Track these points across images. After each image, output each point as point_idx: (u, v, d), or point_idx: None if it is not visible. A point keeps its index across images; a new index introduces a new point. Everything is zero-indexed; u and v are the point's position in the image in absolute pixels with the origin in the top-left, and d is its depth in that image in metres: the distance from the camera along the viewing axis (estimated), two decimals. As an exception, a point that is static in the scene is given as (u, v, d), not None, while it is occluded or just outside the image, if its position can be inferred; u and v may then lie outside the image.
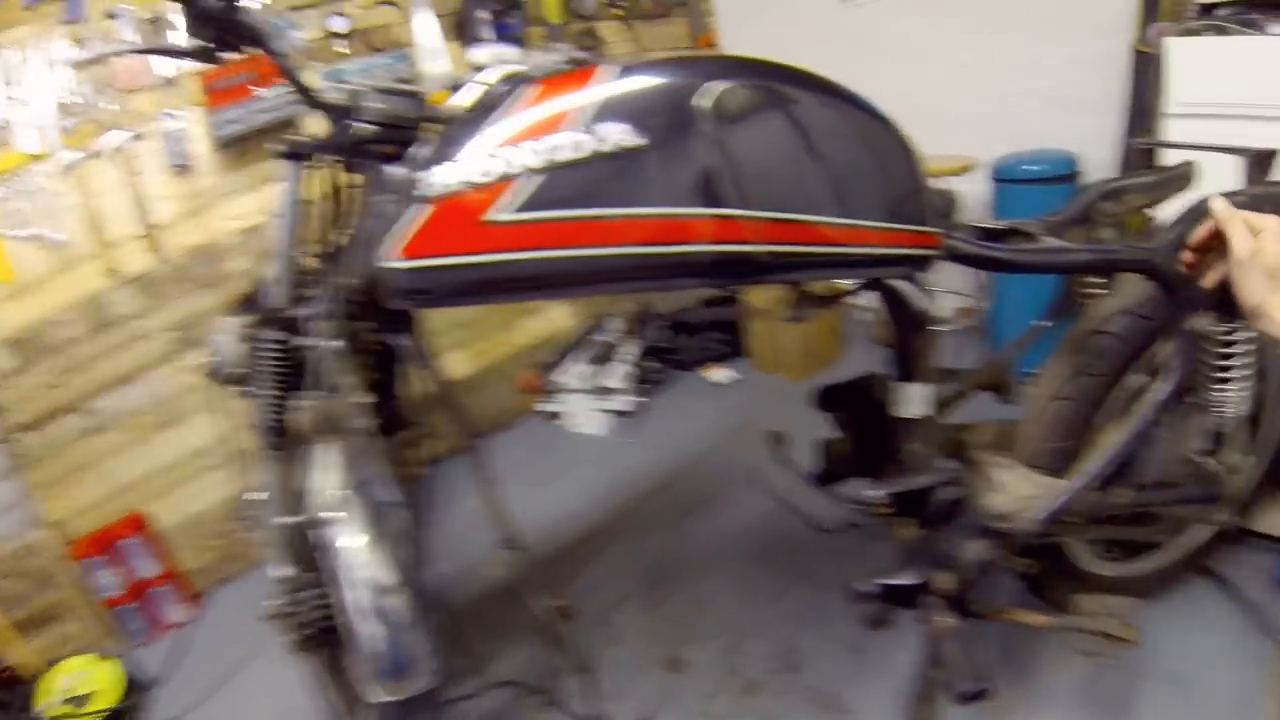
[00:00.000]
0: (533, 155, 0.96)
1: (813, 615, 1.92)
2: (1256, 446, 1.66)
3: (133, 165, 2.07)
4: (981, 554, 1.19)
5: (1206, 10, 2.06)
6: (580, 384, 2.95)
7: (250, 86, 2.18)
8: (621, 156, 0.93)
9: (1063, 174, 2.54)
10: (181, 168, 2.14)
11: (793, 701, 1.71)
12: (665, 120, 0.95)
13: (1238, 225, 0.89)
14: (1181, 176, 1.44)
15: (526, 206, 0.95)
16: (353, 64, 2.44)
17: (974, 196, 2.71)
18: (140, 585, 2.19)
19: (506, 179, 0.97)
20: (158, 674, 2.06)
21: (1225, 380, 1.30)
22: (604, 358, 3.05)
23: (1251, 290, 0.86)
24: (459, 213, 0.99)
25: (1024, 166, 2.59)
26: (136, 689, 2.01)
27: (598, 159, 0.94)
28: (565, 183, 0.94)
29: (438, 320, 2.75)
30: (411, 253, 1.03)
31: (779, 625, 1.92)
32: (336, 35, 2.42)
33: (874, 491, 1.16)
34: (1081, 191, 1.39)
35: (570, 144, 0.95)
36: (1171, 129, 2.08)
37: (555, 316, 3.14)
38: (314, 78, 1.30)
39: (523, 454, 2.93)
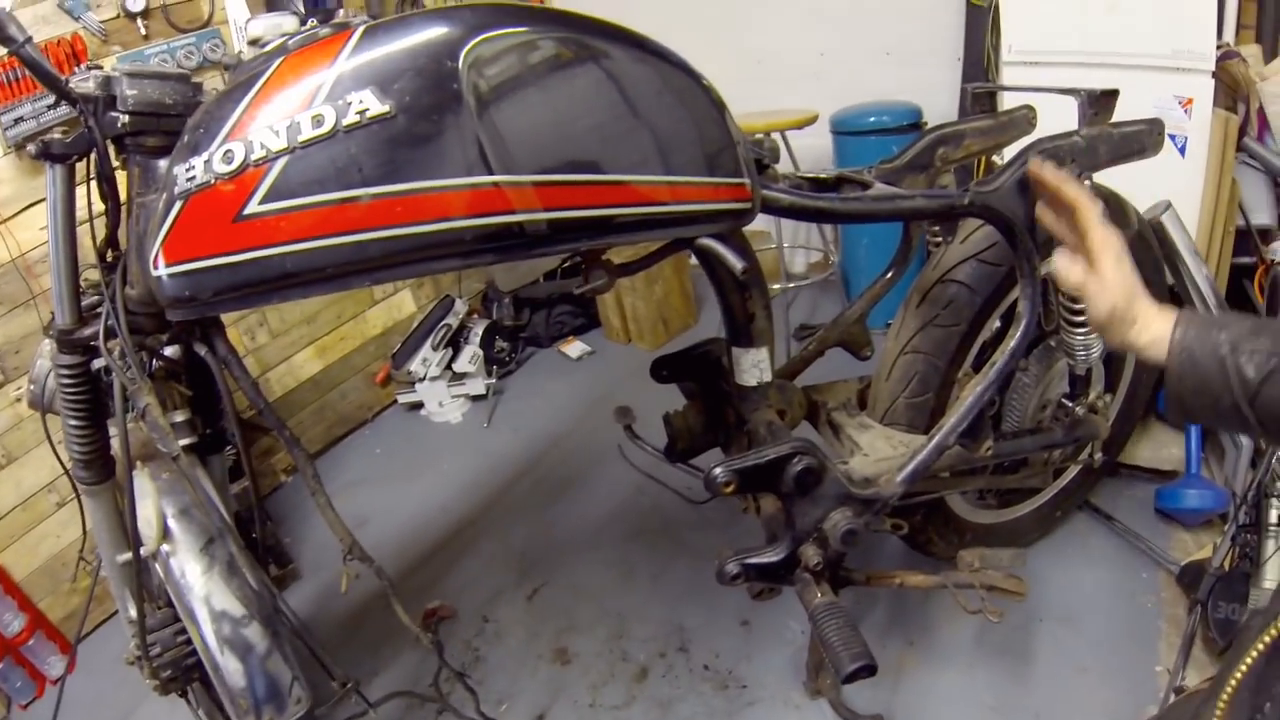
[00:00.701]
0: (276, 136, 0.88)
1: (695, 591, 1.93)
2: (1118, 384, 1.72)
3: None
4: (846, 523, 1.16)
5: None
6: (432, 371, 2.90)
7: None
8: (367, 127, 0.86)
9: (905, 124, 2.58)
10: (-28, 178, 1.95)
11: (686, 683, 1.72)
12: (414, 83, 0.88)
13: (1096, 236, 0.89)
14: (1022, 120, 1.45)
15: (273, 195, 0.88)
16: (153, 46, 2.26)
17: (815, 150, 2.74)
18: (9, 643, 2.06)
19: (253, 166, 0.89)
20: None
21: (1082, 324, 1.32)
22: (453, 342, 3.00)
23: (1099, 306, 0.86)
24: (209, 208, 0.92)
25: (864, 118, 2.60)
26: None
27: (342, 134, 0.87)
28: (311, 164, 0.87)
29: (280, 321, 2.65)
30: (172, 257, 0.95)
31: (662, 605, 1.92)
32: (132, 15, 2.23)
33: (718, 471, 1.11)
34: (918, 138, 1.37)
35: (312, 119, 0.87)
36: (1008, 76, 2.13)
37: (400, 303, 3.07)
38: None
39: (383, 450, 2.88)
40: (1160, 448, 1.91)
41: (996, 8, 2.13)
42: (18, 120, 2.00)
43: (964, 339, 1.36)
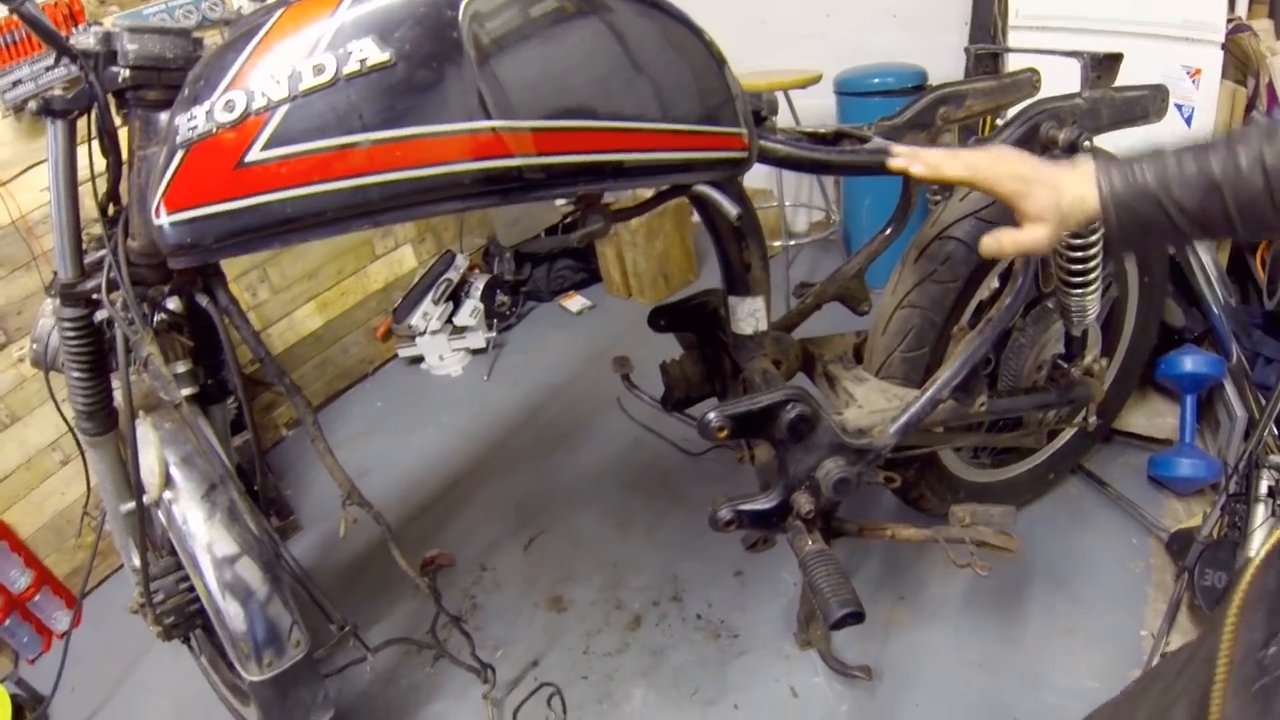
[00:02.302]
0: (278, 85, 0.92)
1: (690, 542, 1.98)
2: (1114, 350, 1.76)
3: (-88, 141, 1.92)
4: (838, 472, 1.19)
5: None
6: (433, 325, 2.95)
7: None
8: (367, 76, 0.90)
9: (910, 86, 2.59)
10: (-29, 139, 1.99)
11: (679, 631, 1.78)
12: (415, 30, 0.92)
13: (954, 169, 0.93)
14: (1025, 83, 1.46)
15: (275, 142, 0.91)
16: (150, 5, 2.27)
17: (819, 109, 2.77)
18: (16, 598, 2.13)
19: (255, 114, 0.93)
20: (48, 689, 2.03)
21: (1078, 285, 1.34)
22: (454, 296, 3.04)
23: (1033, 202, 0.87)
24: (213, 156, 0.96)
25: (869, 79, 2.62)
26: (29, 709, 1.98)
27: (343, 82, 0.90)
28: (312, 111, 0.91)
29: (281, 276, 2.69)
30: (173, 205, 0.99)
31: (657, 555, 1.98)
32: (131, -31, 2.24)
33: (713, 416, 1.14)
34: (919, 97, 1.39)
35: (313, 68, 0.91)
36: (1015, 40, 2.14)
37: (402, 258, 3.11)
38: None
39: (384, 403, 2.94)
40: (1155, 416, 1.95)
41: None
42: (16, 83, 2.02)
43: (960, 295, 1.40)
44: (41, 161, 2.09)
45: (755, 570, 1.87)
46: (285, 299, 2.73)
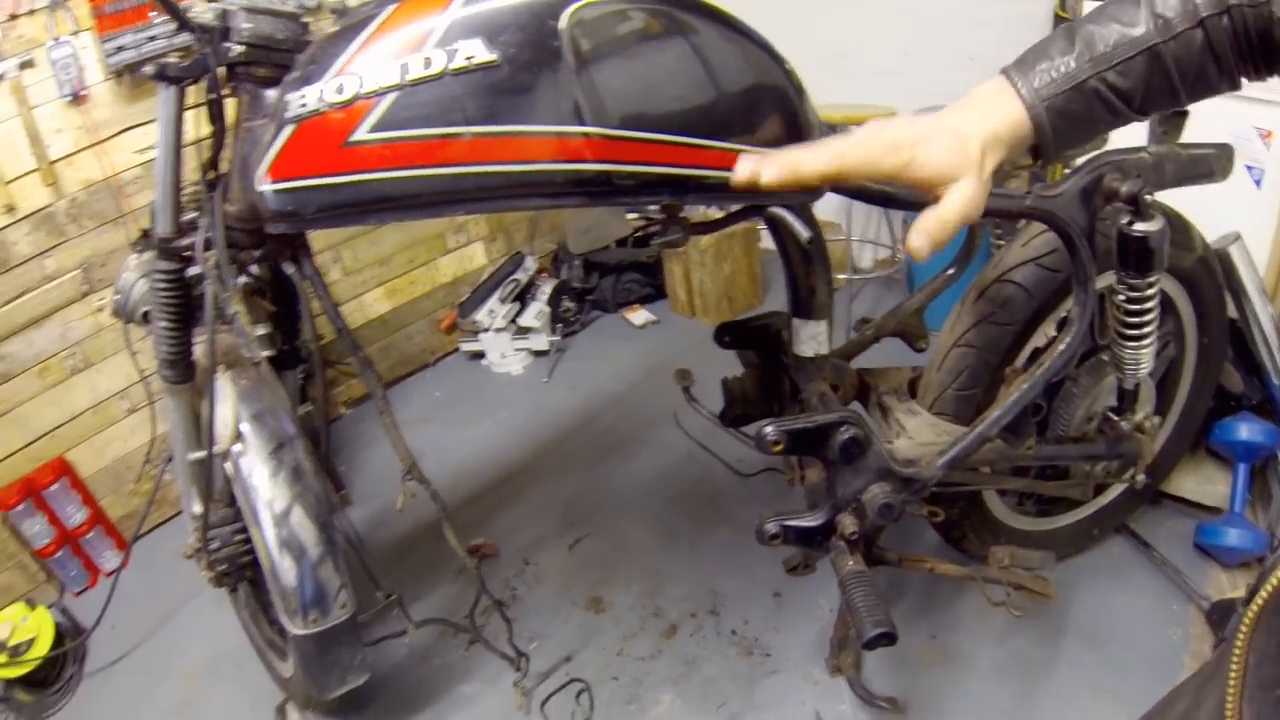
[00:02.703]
0: (388, 74, 0.99)
1: (733, 559, 2.01)
2: (1168, 410, 1.75)
3: (22, 95, 2.05)
4: (884, 497, 1.22)
5: None
6: (498, 323, 3.02)
7: (148, 11, 2.15)
8: (473, 73, 0.97)
9: None
10: (75, 98, 2.11)
11: (712, 645, 1.81)
12: (519, 36, 0.98)
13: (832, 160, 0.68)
14: (1218, 158, 1.43)
15: (381, 126, 0.98)
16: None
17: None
18: (70, 534, 2.25)
19: (363, 98, 1.00)
20: (90, 622, 2.14)
21: (1132, 337, 1.35)
22: (520, 297, 3.12)
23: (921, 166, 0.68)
24: (321, 133, 1.03)
25: None
26: (70, 637, 2.09)
27: (449, 76, 0.97)
28: (418, 101, 0.97)
29: (355, 259, 2.79)
30: (278, 174, 1.06)
31: (699, 568, 2.01)
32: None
33: (770, 429, 1.17)
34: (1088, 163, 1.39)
35: (423, 61, 0.98)
36: None
37: (472, 254, 3.19)
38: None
39: (443, 394, 3.01)
40: (1206, 482, 1.92)
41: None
42: (119, 49, 2.13)
43: (1016, 339, 1.42)
44: (137, 125, 2.22)
45: (793, 594, 1.89)
46: (356, 281, 2.83)
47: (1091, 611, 1.77)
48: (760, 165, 0.67)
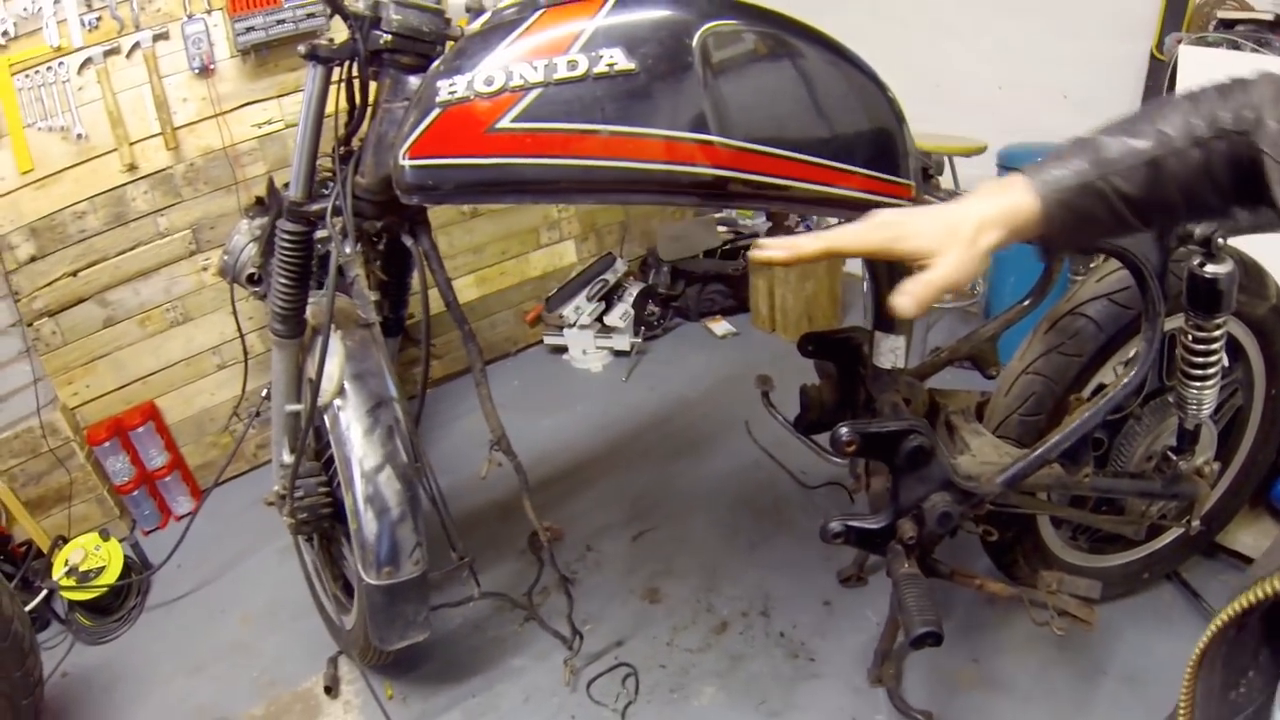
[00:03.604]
0: (534, 71, 1.13)
1: (788, 565, 2.11)
2: (1230, 459, 1.81)
3: (154, 64, 2.25)
4: (943, 506, 1.31)
5: (1227, 26, 2.21)
6: (583, 320, 3.17)
7: (278, -4, 2.35)
8: (613, 78, 1.11)
9: None
10: (202, 70, 2.31)
11: (760, 644, 1.91)
12: (656, 49, 1.12)
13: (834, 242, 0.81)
14: None
15: (525, 117, 1.13)
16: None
17: (980, 181, 2.86)
18: (149, 474, 2.44)
19: (509, 91, 1.14)
20: (158, 560, 2.32)
21: (1196, 377, 1.41)
22: (607, 297, 3.26)
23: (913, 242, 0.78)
24: (465, 119, 1.17)
25: (1032, 157, 2.67)
26: (137, 571, 2.26)
27: (591, 79, 1.11)
28: (561, 98, 1.12)
29: (449, 245, 2.95)
30: (419, 152, 1.21)
31: (755, 571, 2.11)
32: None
33: (845, 429, 1.28)
34: None
35: (568, 63, 1.12)
36: None
37: (563, 252, 3.34)
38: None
39: (523, 383, 3.16)
40: (1263, 538, 1.96)
41: (1175, 64, 2.21)
42: (249, 29, 2.33)
43: (1083, 370, 1.50)
44: (257, 100, 2.43)
45: (844, 604, 1.98)
46: (449, 266, 2.90)
47: (1135, 654, 1.81)
48: (770, 250, 0.79)
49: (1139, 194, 0.74)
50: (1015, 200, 0.77)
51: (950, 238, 0.76)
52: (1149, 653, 1.83)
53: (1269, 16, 2.22)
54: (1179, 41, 2.24)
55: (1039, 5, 2.85)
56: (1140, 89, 2.68)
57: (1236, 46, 2.10)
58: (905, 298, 0.76)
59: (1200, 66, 2.14)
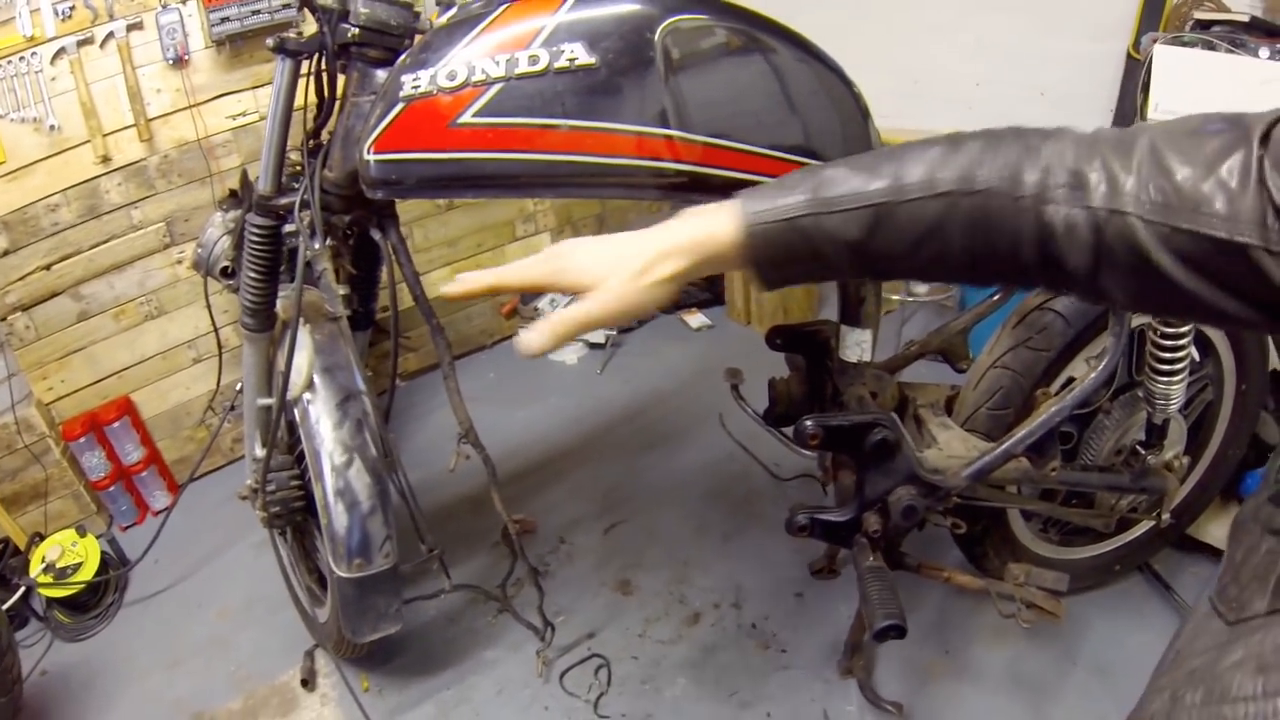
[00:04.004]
0: (496, 66, 1.14)
1: (760, 557, 2.14)
2: (1201, 453, 1.84)
3: (128, 55, 2.24)
4: (908, 499, 1.33)
5: (1203, 26, 2.22)
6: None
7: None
8: (574, 73, 1.12)
9: None
10: (176, 61, 2.30)
11: (731, 636, 1.93)
12: (617, 44, 1.13)
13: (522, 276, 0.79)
14: None
15: (486, 111, 1.13)
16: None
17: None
18: (126, 469, 2.44)
19: (472, 85, 1.15)
20: (135, 556, 2.32)
21: (1163, 373, 1.44)
22: None
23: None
24: (428, 113, 1.18)
25: None
26: (114, 566, 2.27)
27: (552, 73, 1.12)
28: (523, 93, 1.13)
29: (424, 238, 2.96)
30: (383, 147, 1.22)
31: (726, 562, 2.14)
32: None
33: (810, 422, 1.30)
34: None
35: (529, 58, 1.13)
36: None
37: (539, 244, 3.33)
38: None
39: (498, 375, 3.18)
40: (1235, 529, 1.99)
41: (1150, 63, 2.23)
42: (224, 19, 2.32)
43: (1051, 364, 1.52)
44: (232, 92, 2.42)
45: (815, 596, 2.01)
46: (423, 259, 2.99)
47: (1105, 645, 1.85)
48: (451, 284, 0.77)
49: (855, 238, 0.65)
50: (711, 228, 0.69)
51: (614, 269, 0.71)
52: (1119, 644, 1.86)
53: (1245, 18, 2.24)
54: (1155, 41, 2.25)
55: (1019, 3, 2.86)
56: (1117, 87, 2.70)
57: (1212, 47, 2.11)
58: (531, 334, 0.72)
59: (1174, 65, 2.16)
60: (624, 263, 0.71)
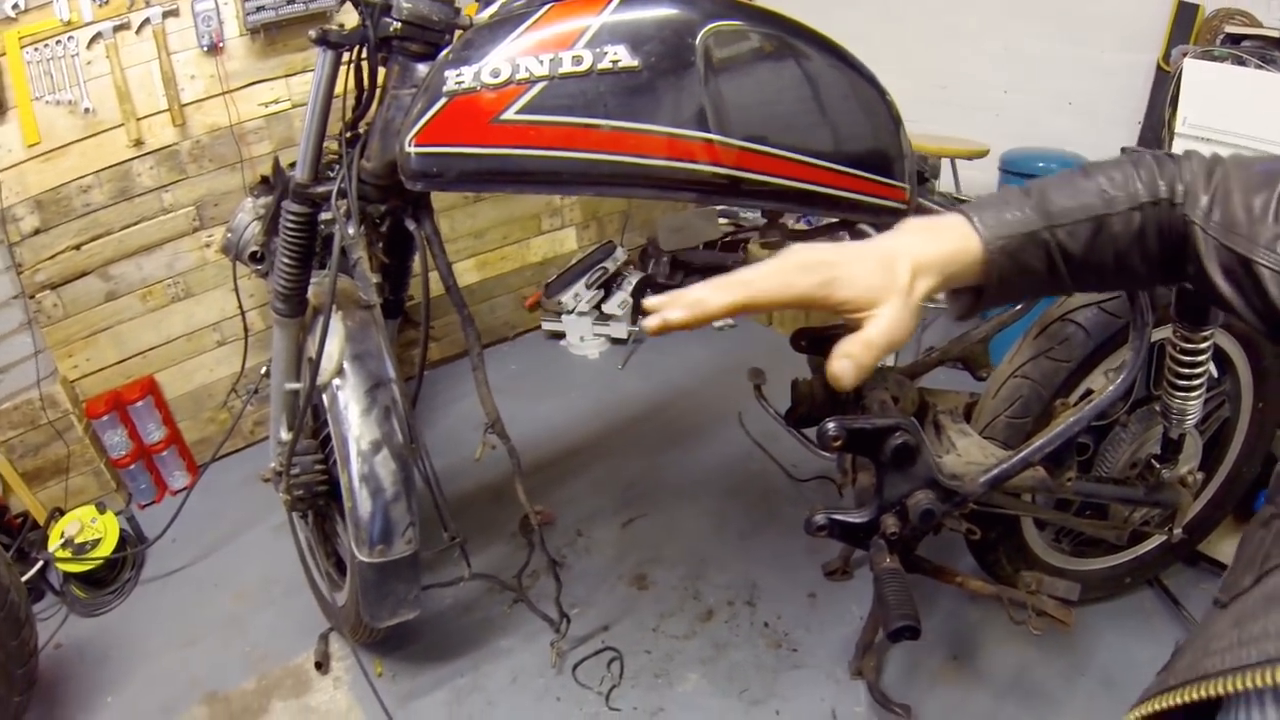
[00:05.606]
0: (540, 65, 1.18)
1: (776, 557, 2.17)
2: (1215, 470, 1.86)
3: (163, 41, 2.29)
4: (926, 503, 1.35)
5: (1234, 41, 2.25)
6: (581, 307, 3.22)
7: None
8: (617, 74, 1.15)
9: None
10: (211, 48, 2.34)
11: (745, 634, 1.96)
12: (659, 47, 1.17)
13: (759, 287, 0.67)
14: None
15: (529, 109, 1.17)
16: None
17: (981, 183, 2.90)
18: (147, 448, 2.49)
19: (515, 83, 1.19)
20: (153, 534, 2.36)
21: (1182, 389, 1.47)
22: (606, 285, 3.32)
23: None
24: (471, 109, 1.22)
25: (1033, 162, 2.74)
26: (132, 544, 2.31)
27: (595, 74, 1.16)
28: (565, 92, 1.16)
29: (451, 229, 2.99)
30: (425, 140, 1.25)
31: (742, 561, 2.17)
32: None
33: (832, 425, 1.30)
34: None
35: (573, 58, 1.16)
36: (1178, 149, 2.22)
37: (564, 238, 3.39)
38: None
39: (519, 367, 3.22)
40: (1246, 548, 2.01)
41: (1180, 76, 2.25)
42: (259, 8, 2.36)
43: (1071, 375, 1.54)
44: (265, 80, 2.46)
45: (828, 597, 2.04)
46: (450, 250, 2.93)
47: (1113, 656, 1.87)
48: (667, 311, 0.66)
49: (1079, 252, 0.69)
50: (958, 244, 0.68)
51: (888, 287, 0.66)
52: (1128, 656, 1.88)
53: (1276, 34, 2.26)
54: (1185, 54, 2.27)
55: (1050, 11, 2.90)
56: (1145, 99, 2.72)
57: (1242, 62, 2.13)
58: (845, 362, 0.65)
59: (1204, 79, 2.18)
60: (894, 281, 0.66)
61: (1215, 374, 1.61)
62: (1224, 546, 2.03)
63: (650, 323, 0.67)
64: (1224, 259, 0.65)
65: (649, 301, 0.68)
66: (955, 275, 0.69)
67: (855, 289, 0.66)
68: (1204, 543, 2.01)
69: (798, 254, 0.68)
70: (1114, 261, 0.71)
